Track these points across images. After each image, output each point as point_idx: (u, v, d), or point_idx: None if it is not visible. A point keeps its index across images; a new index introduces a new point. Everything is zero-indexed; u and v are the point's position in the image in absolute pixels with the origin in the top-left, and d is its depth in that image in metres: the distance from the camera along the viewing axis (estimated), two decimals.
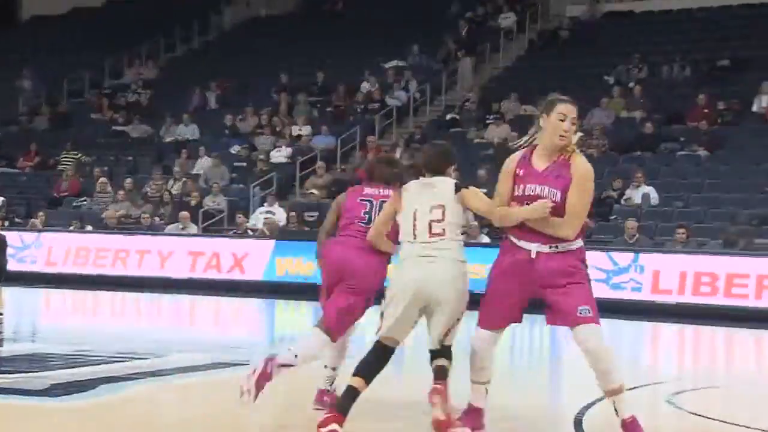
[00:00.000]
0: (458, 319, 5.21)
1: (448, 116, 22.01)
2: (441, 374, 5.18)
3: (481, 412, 5.21)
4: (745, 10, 22.93)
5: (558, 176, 4.94)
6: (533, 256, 4.92)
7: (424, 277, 5.14)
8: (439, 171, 5.39)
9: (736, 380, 8.49)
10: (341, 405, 5.05)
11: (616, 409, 4.90)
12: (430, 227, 5.22)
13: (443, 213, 5.24)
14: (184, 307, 14.89)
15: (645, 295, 14.36)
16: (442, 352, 5.22)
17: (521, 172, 5.02)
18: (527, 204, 4.97)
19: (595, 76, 21.70)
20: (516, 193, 5.02)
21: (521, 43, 24.94)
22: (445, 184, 5.33)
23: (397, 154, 20.27)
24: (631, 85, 21.13)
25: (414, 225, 5.24)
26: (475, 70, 23.93)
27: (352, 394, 5.04)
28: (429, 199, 5.27)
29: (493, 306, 5.06)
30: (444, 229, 5.22)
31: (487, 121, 21.00)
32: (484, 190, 5.70)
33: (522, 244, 4.96)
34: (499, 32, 24.77)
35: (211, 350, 8.74)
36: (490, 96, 22.25)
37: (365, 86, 23.25)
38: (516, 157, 5.11)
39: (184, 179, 20.27)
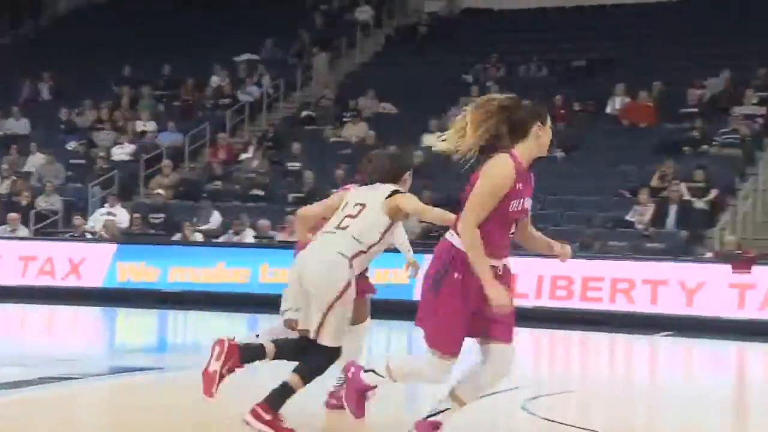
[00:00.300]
0: (330, 314, 5.23)
1: (304, 113, 22.03)
2: (272, 400, 5.25)
3: None
4: (600, 12, 23.79)
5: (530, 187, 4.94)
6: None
7: (302, 262, 5.37)
8: (388, 179, 5.60)
9: (591, 384, 8.79)
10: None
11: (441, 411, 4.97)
12: (342, 221, 5.43)
13: (360, 211, 5.42)
14: (14, 317, 14.38)
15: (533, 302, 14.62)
16: (307, 355, 5.33)
17: (520, 186, 4.79)
18: (522, 218, 4.94)
19: (453, 74, 22.10)
20: (513, 209, 4.80)
21: (378, 39, 25.20)
22: (384, 188, 5.52)
23: (249, 153, 20.20)
24: (488, 84, 21.61)
25: (335, 218, 5.50)
26: (331, 66, 24.02)
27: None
28: (360, 198, 5.51)
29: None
30: (350, 225, 5.39)
31: (344, 119, 21.13)
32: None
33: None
34: (355, 27, 24.94)
35: (41, 364, 8.46)
36: (347, 93, 22.39)
37: (215, 80, 23.02)
38: (511, 166, 4.77)
39: (13, 177, 19.63)
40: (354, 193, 5.61)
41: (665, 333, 12.94)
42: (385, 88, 21.85)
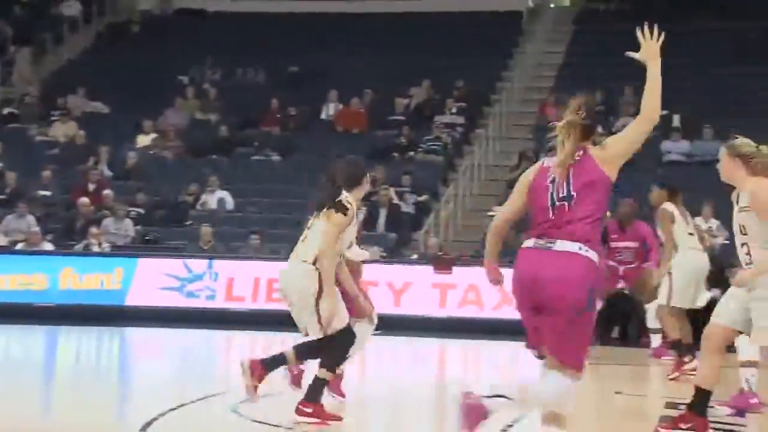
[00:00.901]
0: (318, 308, 6.40)
1: (6, 111, 21.15)
2: (310, 394, 6.56)
3: None
4: (313, 20, 24.40)
5: None
6: None
7: (281, 273, 6.75)
8: (350, 186, 6.71)
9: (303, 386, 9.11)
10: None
11: None
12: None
13: (311, 221, 6.69)
14: None
15: (219, 303, 14.78)
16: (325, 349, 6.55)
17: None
18: None
19: (168, 75, 21.94)
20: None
21: (88, 35, 24.57)
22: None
23: None
24: (206, 86, 21.64)
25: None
26: (36, 62, 23.18)
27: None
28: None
29: None
30: (306, 236, 6.63)
31: (52, 118, 20.48)
32: None
33: None
34: (62, 22, 24.19)
35: None
36: (54, 90, 21.70)
37: None
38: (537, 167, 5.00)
39: None
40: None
41: (375, 332, 13.53)
42: (95, 86, 21.38)
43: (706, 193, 16.16)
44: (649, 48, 4.83)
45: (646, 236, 11.51)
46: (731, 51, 21.00)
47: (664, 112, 18.54)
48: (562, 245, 4.68)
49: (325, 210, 6.53)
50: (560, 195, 4.73)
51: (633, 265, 11.96)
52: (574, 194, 4.72)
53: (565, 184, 4.76)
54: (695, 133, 18.08)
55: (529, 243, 4.80)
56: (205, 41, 23.27)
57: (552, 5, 25.35)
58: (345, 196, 6.59)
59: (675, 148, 18.06)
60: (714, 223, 14.88)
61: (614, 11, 23.37)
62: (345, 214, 6.49)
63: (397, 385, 9.39)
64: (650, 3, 22.63)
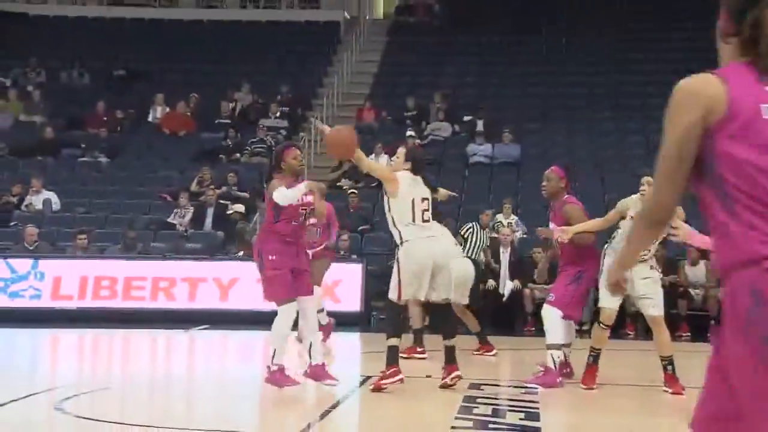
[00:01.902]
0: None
1: None
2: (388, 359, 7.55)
3: None
4: (138, 24, 23.79)
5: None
6: None
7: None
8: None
9: (132, 380, 8.83)
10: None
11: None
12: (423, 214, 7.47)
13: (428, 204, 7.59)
14: None
15: (45, 302, 14.25)
16: None
17: None
18: None
19: None
20: None
21: None
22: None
23: None
24: (30, 88, 20.75)
25: (413, 211, 7.44)
26: None
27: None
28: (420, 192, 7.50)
29: None
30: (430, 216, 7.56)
31: None
32: None
33: None
34: None
35: None
36: None
37: None
38: None
39: None
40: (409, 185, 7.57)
41: (202, 326, 13.29)
42: None
43: (507, 191, 16.69)
44: None
45: (329, 215, 10.75)
46: (527, 61, 21.70)
47: (469, 118, 19.09)
48: None
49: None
50: None
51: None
52: None
53: None
54: (496, 137, 18.56)
55: None
56: (27, 44, 22.30)
57: (367, 17, 25.59)
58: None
59: (479, 151, 18.49)
60: (513, 218, 15.30)
61: (423, 24, 23.81)
62: None
63: (229, 374, 9.21)
64: (455, 17, 23.15)
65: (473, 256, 11.05)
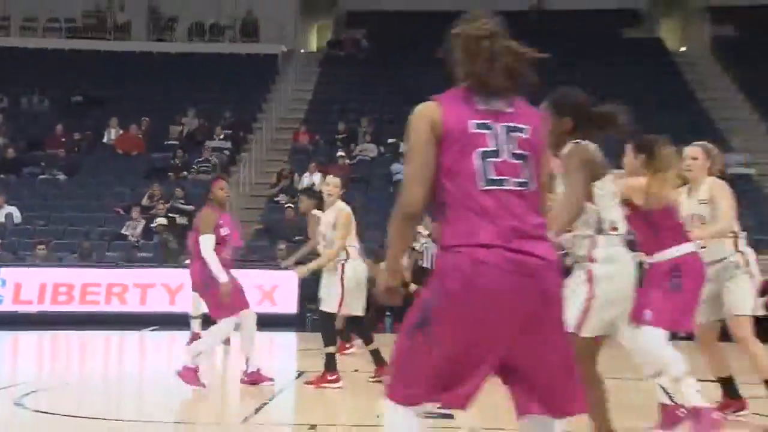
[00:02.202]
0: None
1: None
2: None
3: None
4: (94, 55, 23.38)
5: None
6: None
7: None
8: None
9: (87, 377, 8.66)
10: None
11: None
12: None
13: None
14: None
15: (7, 307, 13.91)
16: None
17: None
18: None
19: None
20: None
21: None
22: None
23: None
24: None
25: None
26: None
27: None
28: None
29: None
30: None
31: None
32: None
33: None
34: None
35: None
36: None
37: None
38: None
39: None
40: None
41: (153, 328, 13.08)
42: None
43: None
44: None
45: None
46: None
47: (393, 140, 19.13)
48: None
49: None
50: None
51: None
52: None
53: None
54: None
55: None
56: None
57: (302, 51, 25.59)
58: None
59: (402, 170, 18.54)
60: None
61: (352, 57, 23.90)
62: None
63: (171, 374, 9.08)
64: (380, 51, 23.27)
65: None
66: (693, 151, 5.75)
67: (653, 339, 4.67)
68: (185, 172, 18.36)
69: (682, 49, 24.24)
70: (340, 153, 18.59)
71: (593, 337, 3.97)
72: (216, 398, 7.30)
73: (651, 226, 4.79)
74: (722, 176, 5.72)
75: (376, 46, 23.79)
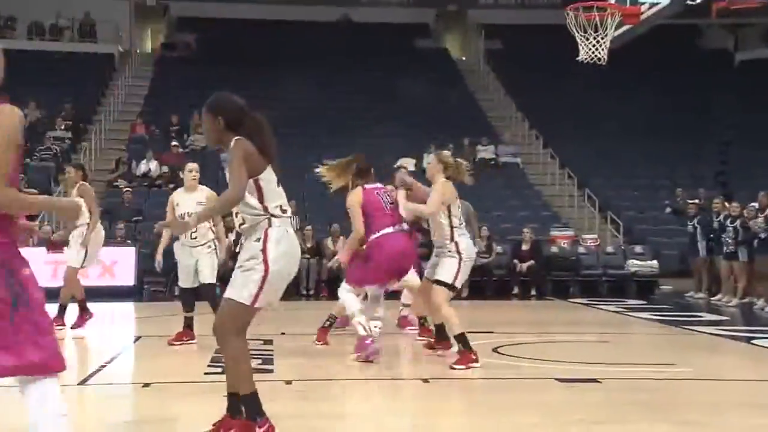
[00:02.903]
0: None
1: None
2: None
3: None
4: None
5: None
6: None
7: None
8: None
9: None
10: None
11: None
12: None
13: None
14: None
15: None
16: None
17: None
18: None
19: None
20: None
21: None
22: None
23: None
24: None
25: None
26: None
27: None
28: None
29: None
30: None
31: None
32: None
33: None
34: None
35: None
36: None
37: None
38: None
39: None
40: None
41: None
42: None
43: None
44: None
45: None
46: (266, 89, 21.60)
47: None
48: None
49: None
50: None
51: None
52: None
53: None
54: None
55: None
56: None
57: (138, 51, 24.52)
58: None
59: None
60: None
61: (184, 58, 23.20)
62: None
63: None
64: (209, 53, 22.65)
65: None
66: (430, 158, 7.02)
67: (343, 292, 6.67)
68: (27, 159, 17.12)
69: (463, 58, 25.19)
70: (174, 143, 18.04)
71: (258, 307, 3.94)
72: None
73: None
74: (451, 179, 6.49)
75: (205, 49, 23.19)
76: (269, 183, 3.89)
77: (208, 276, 7.33)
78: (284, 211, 3.92)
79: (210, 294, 7.28)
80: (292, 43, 23.41)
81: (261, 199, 3.86)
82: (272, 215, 3.87)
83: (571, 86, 21.72)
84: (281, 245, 3.84)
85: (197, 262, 7.34)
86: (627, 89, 21.43)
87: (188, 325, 7.42)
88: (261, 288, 3.79)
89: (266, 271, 3.79)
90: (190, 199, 7.48)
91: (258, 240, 3.84)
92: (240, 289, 3.80)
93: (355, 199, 6.56)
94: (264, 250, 3.80)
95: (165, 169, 17.07)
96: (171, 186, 16.54)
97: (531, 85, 21.88)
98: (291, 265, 3.90)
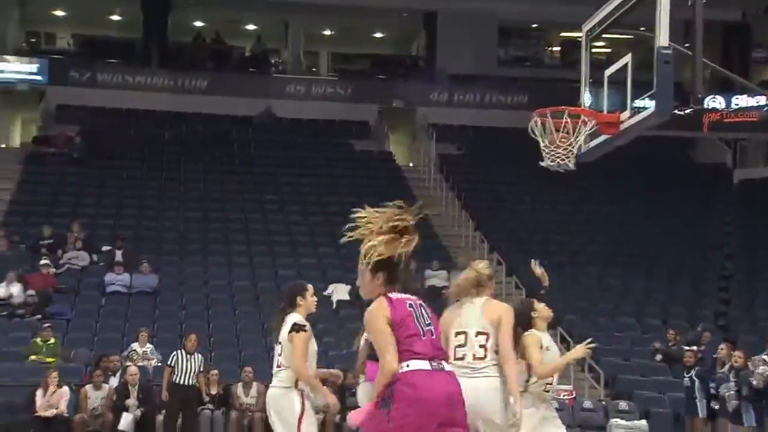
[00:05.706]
0: None
1: None
2: None
3: None
4: None
5: None
6: None
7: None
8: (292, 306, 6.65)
9: None
10: None
11: None
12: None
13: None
14: None
15: None
16: None
17: None
18: None
19: None
20: None
21: None
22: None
23: None
24: None
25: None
26: None
27: None
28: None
29: None
30: (279, 363, 6.58)
31: None
32: None
33: None
34: None
35: None
36: None
37: None
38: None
39: None
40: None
41: None
42: None
43: (144, 320, 16.50)
44: None
45: None
46: (165, 196, 21.79)
47: (108, 248, 18.58)
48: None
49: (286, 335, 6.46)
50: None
51: None
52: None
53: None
54: (134, 267, 18.24)
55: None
56: None
57: (3, 145, 24.44)
58: (296, 318, 6.53)
59: (117, 280, 18.03)
60: (149, 347, 15.06)
61: (61, 155, 22.98)
62: (304, 332, 6.44)
63: None
64: (95, 150, 22.72)
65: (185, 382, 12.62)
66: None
67: None
68: None
69: (411, 164, 25.84)
70: (44, 261, 17.79)
71: None
72: None
73: None
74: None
75: (90, 145, 23.08)
76: None
77: None
78: None
79: None
80: (196, 138, 23.82)
81: None
82: None
83: (542, 203, 22.47)
84: None
85: None
86: (610, 209, 22.25)
87: None
88: None
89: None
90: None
91: None
92: None
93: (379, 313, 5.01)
94: None
95: (31, 293, 16.79)
96: (37, 317, 16.25)
97: (492, 198, 22.54)
98: None
